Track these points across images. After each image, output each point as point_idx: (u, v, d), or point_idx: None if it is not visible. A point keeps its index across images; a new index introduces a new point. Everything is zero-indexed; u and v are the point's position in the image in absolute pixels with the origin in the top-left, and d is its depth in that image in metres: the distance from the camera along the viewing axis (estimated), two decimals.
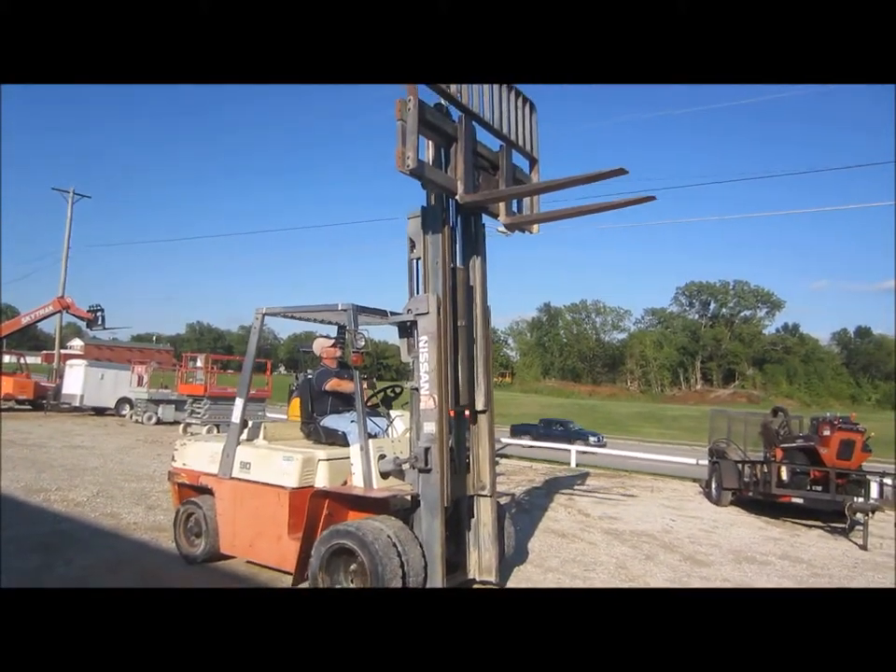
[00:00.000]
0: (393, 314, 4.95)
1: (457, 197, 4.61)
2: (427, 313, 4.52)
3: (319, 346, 5.97)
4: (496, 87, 4.93)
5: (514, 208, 5.18)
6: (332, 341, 5.96)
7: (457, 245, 5.00)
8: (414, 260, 4.75)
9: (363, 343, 4.83)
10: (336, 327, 6.30)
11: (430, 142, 4.73)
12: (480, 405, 5.01)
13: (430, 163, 4.65)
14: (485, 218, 5.12)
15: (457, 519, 4.91)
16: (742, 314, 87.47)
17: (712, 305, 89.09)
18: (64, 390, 21.77)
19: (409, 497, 4.62)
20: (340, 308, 5.13)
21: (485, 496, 4.98)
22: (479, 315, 5.05)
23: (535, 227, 5.25)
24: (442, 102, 4.56)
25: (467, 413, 5.04)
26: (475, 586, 5.04)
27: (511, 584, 5.39)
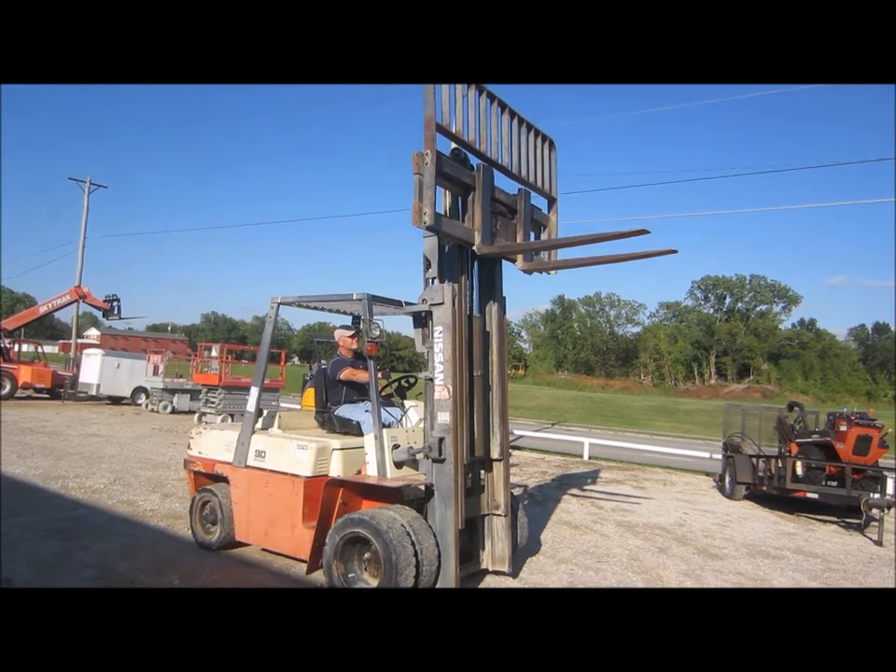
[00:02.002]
0: (408, 304, 4.95)
1: (475, 248, 4.59)
2: (443, 303, 4.51)
3: (340, 335, 6.00)
4: (514, 129, 4.91)
5: (532, 252, 5.14)
6: (353, 331, 5.98)
7: (474, 292, 4.97)
8: (430, 280, 4.69)
9: (378, 333, 4.84)
10: (350, 317, 6.32)
11: (447, 191, 4.65)
12: (495, 454, 5.02)
13: (447, 212, 4.62)
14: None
15: None
16: (758, 308, 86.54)
17: (728, 299, 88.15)
18: (81, 379, 21.96)
19: (423, 487, 4.63)
20: (355, 297, 5.14)
21: (500, 515, 4.99)
22: (495, 362, 5.01)
23: (552, 270, 5.19)
24: (459, 147, 4.51)
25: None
26: (488, 576, 5.06)
27: (523, 575, 5.40)
